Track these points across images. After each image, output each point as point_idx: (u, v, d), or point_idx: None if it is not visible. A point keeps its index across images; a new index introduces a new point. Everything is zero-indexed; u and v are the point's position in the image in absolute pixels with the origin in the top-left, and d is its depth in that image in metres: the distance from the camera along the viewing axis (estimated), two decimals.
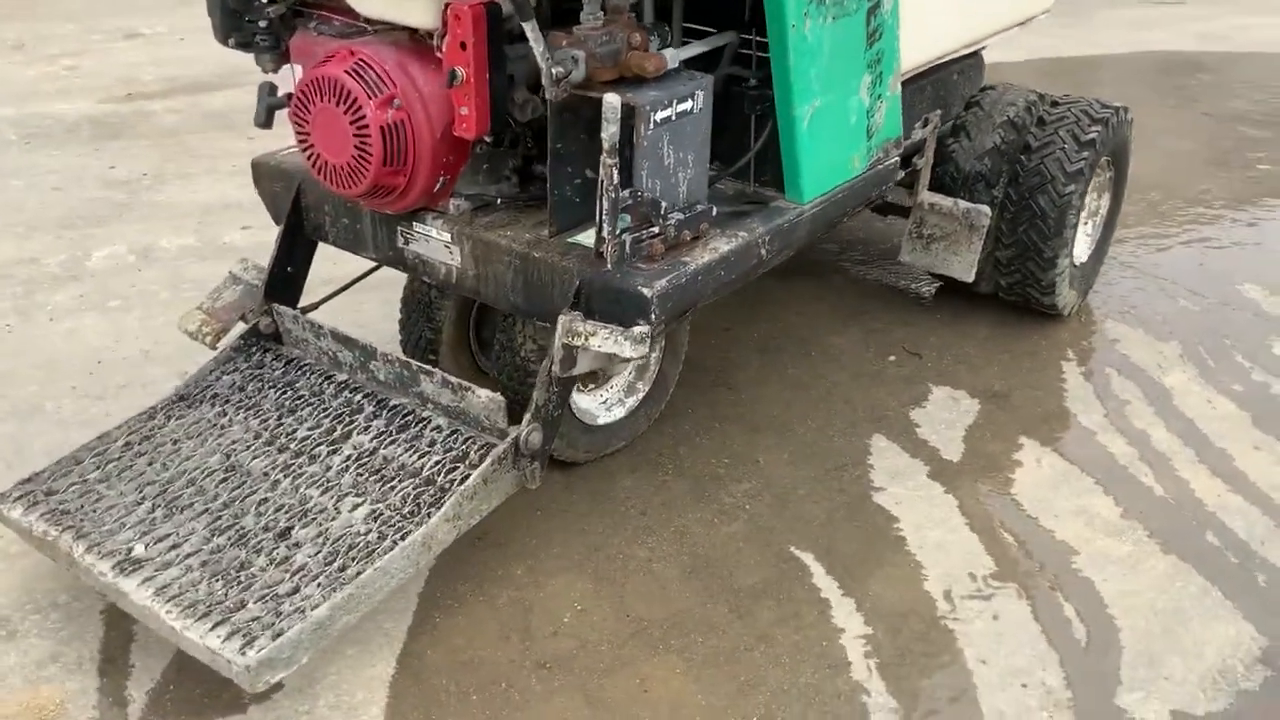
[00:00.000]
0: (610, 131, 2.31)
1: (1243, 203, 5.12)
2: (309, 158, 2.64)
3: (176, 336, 3.20)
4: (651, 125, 2.44)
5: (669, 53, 2.52)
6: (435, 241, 2.77)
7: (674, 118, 2.49)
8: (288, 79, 2.85)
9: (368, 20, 2.62)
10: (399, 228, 2.84)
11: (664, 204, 2.54)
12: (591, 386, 3.13)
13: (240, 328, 3.04)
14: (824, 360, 3.73)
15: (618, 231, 2.43)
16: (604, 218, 2.41)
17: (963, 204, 3.66)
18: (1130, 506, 3.05)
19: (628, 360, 2.65)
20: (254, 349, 3.02)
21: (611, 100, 2.30)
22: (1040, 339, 3.89)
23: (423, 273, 2.86)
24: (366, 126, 2.50)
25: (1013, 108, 3.78)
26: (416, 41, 2.62)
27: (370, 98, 2.49)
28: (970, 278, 3.73)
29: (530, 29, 2.32)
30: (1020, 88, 3.92)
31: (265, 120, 2.69)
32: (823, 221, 3.00)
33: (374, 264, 3.28)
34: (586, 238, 2.65)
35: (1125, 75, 7.13)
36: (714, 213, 2.69)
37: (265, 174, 3.09)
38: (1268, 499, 3.09)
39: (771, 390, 3.54)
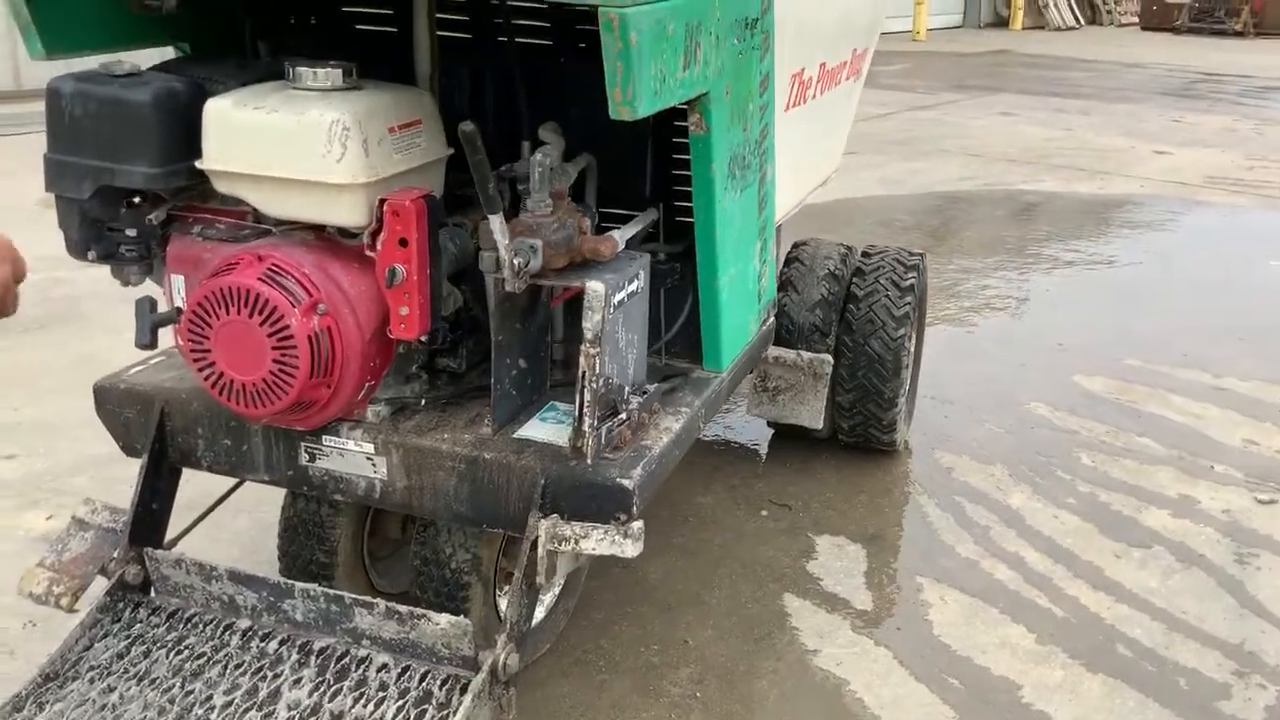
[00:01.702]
0: (595, 320, 2.18)
1: (972, 312, 5.62)
2: (208, 379, 2.30)
3: None
4: (611, 309, 2.32)
5: (617, 234, 2.43)
6: (353, 454, 2.49)
7: (626, 299, 2.39)
8: (147, 292, 2.52)
9: (275, 221, 2.36)
10: (302, 444, 2.52)
11: (625, 388, 2.42)
12: (506, 588, 2.88)
13: (100, 583, 2.57)
14: (701, 524, 3.67)
15: (595, 424, 2.28)
16: (584, 411, 2.25)
17: (806, 355, 3.75)
18: (1041, 631, 3.16)
19: (624, 559, 2.46)
20: (123, 605, 2.55)
21: (596, 288, 2.17)
22: (884, 475, 4.03)
23: (334, 491, 2.54)
24: (290, 337, 2.22)
25: (830, 260, 3.96)
26: (325, 238, 2.38)
27: (293, 305, 2.22)
28: (820, 424, 3.81)
29: (497, 222, 2.16)
30: (827, 241, 4.12)
31: (151, 340, 2.33)
32: (731, 388, 2.97)
33: (236, 484, 2.92)
34: (533, 431, 2.47)
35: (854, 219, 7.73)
36: (660, 391, 2.59)
37: (113, 399, 2.67)
38: (1149, 603, 3.30)
39: (666, 562, 3.42)
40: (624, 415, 2.39)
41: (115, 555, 2.57)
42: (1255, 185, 9.01)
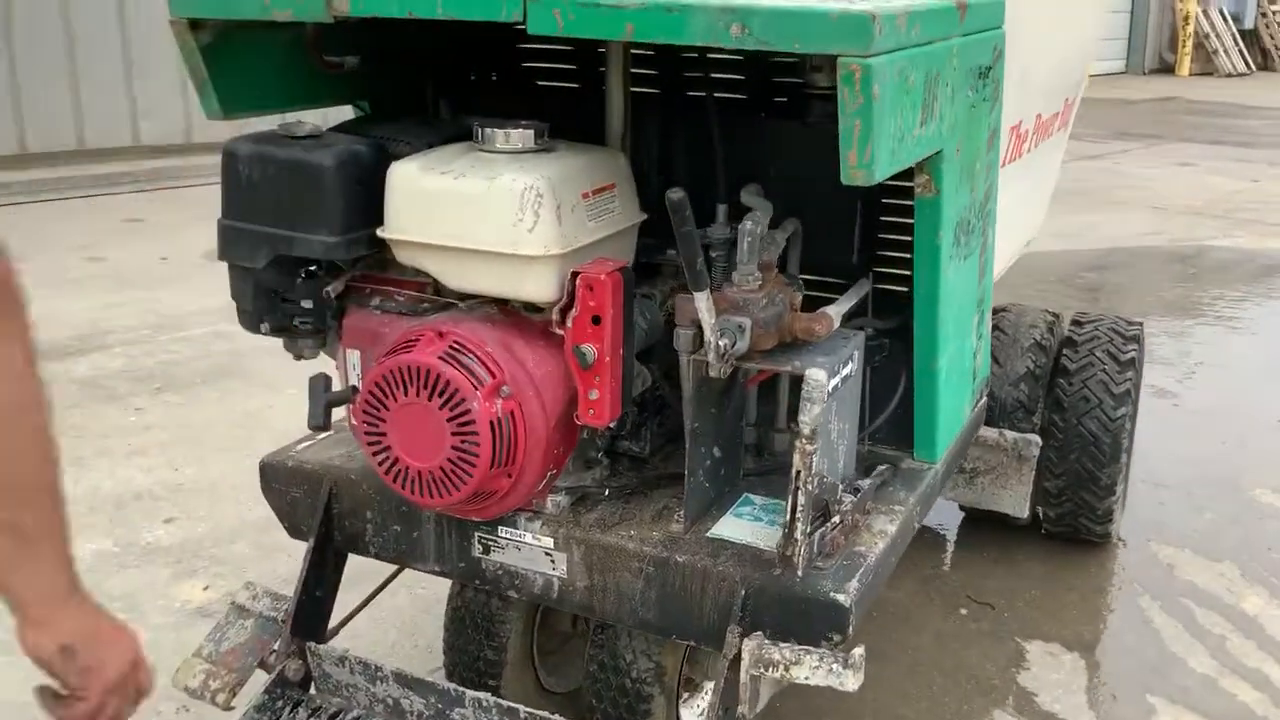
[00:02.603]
0: (814, 413, 1.91)
1: (1177, 381, 5.13)
2: (382, 463, 2.11)
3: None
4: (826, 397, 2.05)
5: (831, 310, 2.16)
6: (531, 549, 2.26)
7: (840, 385, 2.11)
8: (319, 366, 2.35)
9: (456, 295, 2.16)
10: (476, 534, 2.31)
11: (838, 485, 2.13)
12: (687, 695, 2.60)
13: (259, 677, 2.39)
14: (891, 622, 3.33)
15: (809, 529, 2.00)
16: (797, 515, 1.98)
17: (1010, 434, 3.39)
18: None
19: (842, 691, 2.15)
20: (282, 704, 2.36)
21: (817, 376, 1.90)
22: (1096, 570, 3.63)
23: (508, 587, 2.32)
24: (471, 422, 2.00)
25: (1035, 329, 3.60)
26: (509, 313, 2.17)
27: (475, 387, 2.01)
28: (1025, 513, 3.44)
29: (703, 300, 1.92)
30: (1031, 307, 3.75)
31: (324, 420, 2.15)
32: (945, 480, 2.65)
33: (395, 570, 2.73)
34: (729, 530, 2.20)
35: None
36: (874, 488, 2.30)
37: (279, 478, 2.51)
38: None
39: None
40: (836, 518, 2.10)
41: (276, 648, 2.39)
42: None
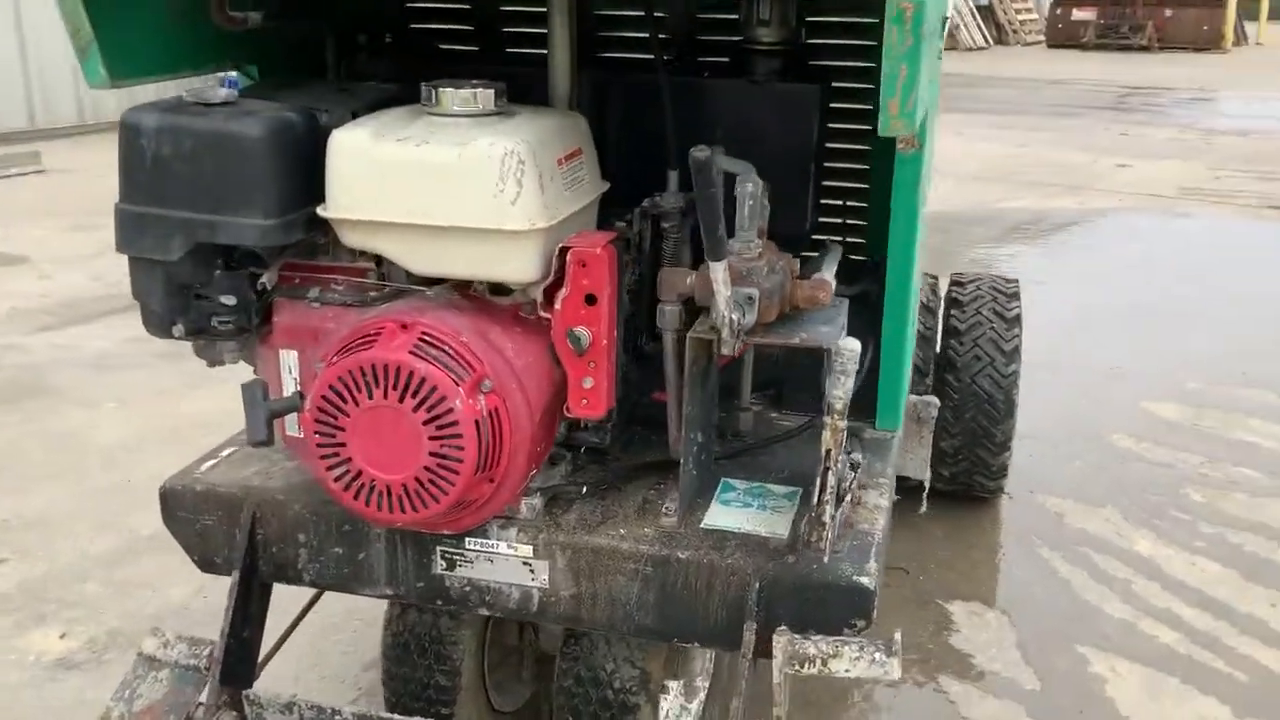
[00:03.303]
0: (847, 386, 1.77)
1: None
2: (341, 479, 1.83)
3: None
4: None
5: (829, 276, 2.02)
6: (505, 559, 2.03)
7: None
8: (240, 374, 2.05)
9: (413, 280, 1.91)
10: (438, 549, 2.06)
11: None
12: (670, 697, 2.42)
13: None
14: None
15: (836, 510, 1.86)
16: (825, 497, 1.83)
17: (911, 397, 3.37)
18: (1235, 702, 2.82)
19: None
20: None
21: (851, 346, 1.76)
22: (993, 527, 3.69)
23: (478, 604, 2.08)
24: (453, 424, 1.76)
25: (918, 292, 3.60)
26: (473, 298, 1.94)
27: (455, 383, 1.77)
28: (926, 474, 3.43)
29: (720, 271, 1.74)
30: None
31: (268, 434, 1.84)
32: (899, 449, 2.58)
33: (315, 594, 2.44)
34: (722, 519, 2.04)
35: None
36: (866, 462, 2.18)
37: (186, 505, 2.17)
38: None
39: None
40: (848, 496, 1.98)
41: (203, 700, 2.07)
42: (1229, 195, 8.97)
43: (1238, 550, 3.52)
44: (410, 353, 1.78)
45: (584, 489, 2.10)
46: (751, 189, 1.85)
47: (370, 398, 1.78)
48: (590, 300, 1.80)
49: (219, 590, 2.18)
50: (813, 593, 1.90)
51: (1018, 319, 3.57)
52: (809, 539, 1.87)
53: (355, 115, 1.97)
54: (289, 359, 1.95)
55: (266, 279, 1.89)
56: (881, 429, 2.45)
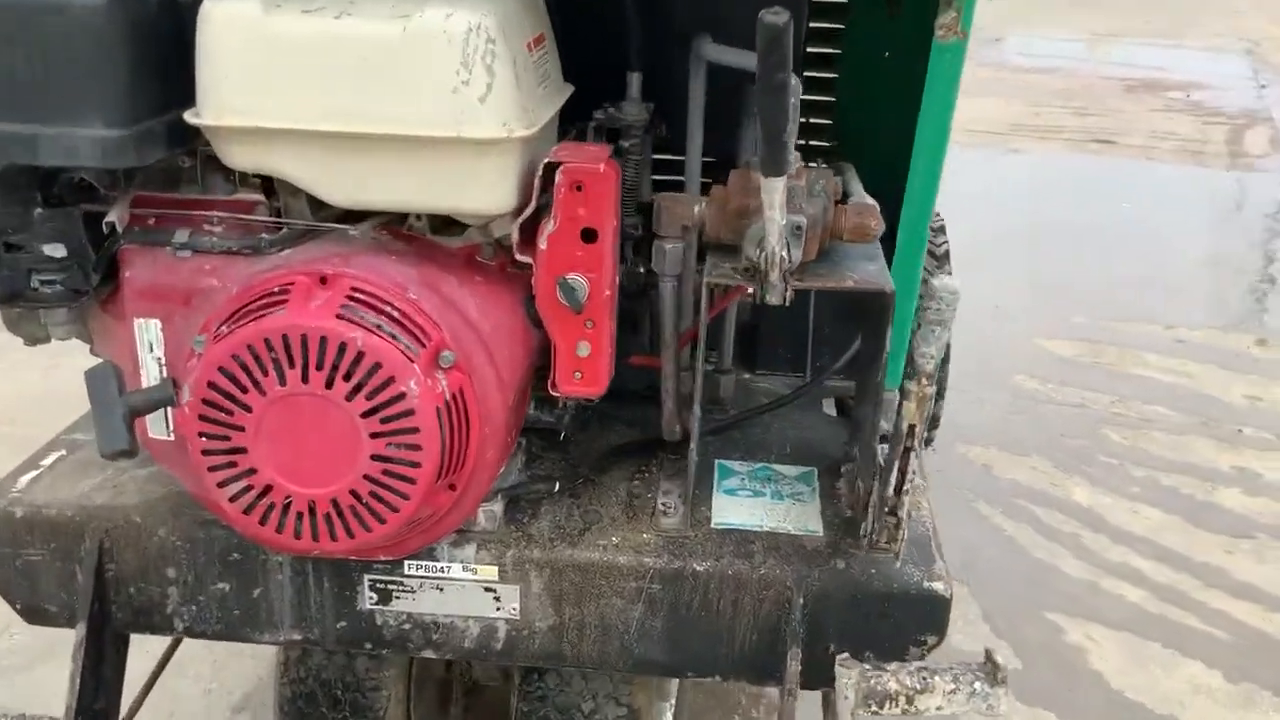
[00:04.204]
0: (943, 340, 1.35)
1: None
2: (239, 498, 1.30)
3: None
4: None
5: (870, 200, 1.58)
6: (460, 586, 1.53)
7: None
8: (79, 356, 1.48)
9: (331, 215, 1.37)
10: (367, 578, 1.54)
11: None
12: None
13: None
14: None
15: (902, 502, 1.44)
16: (904, 486, 1.41)
17: None
18: (1222, 664, 2.61)
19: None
20: None
21: (951, 288, 1.33)
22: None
23: (422, 645, 1.57)
24: (407, 413, 1.25)
25: None
26: (411, 239, 1.41)
27: (407, 357, 1.25)
28: None
29: (777, 192, 1.27)
30: None
31: (129, 441, 1.28)
32: None
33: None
34: (735, 515, 1.60)
35: None
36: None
37: (5, 536, 1.57)
38: None
39: None
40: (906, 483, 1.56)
41: None
42: (1054, 130, 9.02)
43: (1174, 494, 3.33)
44: (339, 316, 1.25)
45: (555, 486, 1.62)
46: (795, 83, 1.39)
47: (282, 383, 1.25)
48: (589, 236, 1.31)
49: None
50: (872, 605, 1.49)
51: (947, 255, 3.25)
52: (876, 539, 1.45)
53: None
54: (148, 331, 1.38)
55: (112, 219, 1.32)
56: (888, 387, 2.05)
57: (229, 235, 1.37)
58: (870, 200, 1.54)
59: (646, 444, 1.76)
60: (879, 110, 1.81)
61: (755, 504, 1.64)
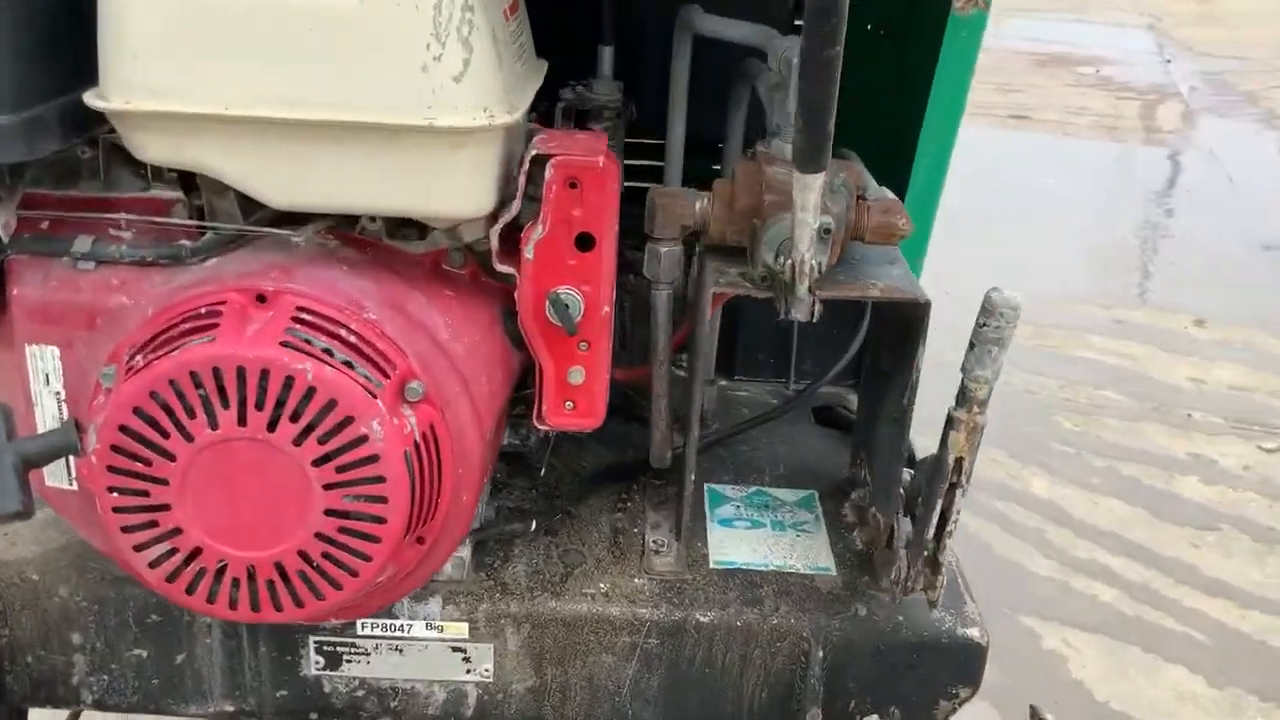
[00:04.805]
0: (999, 364, 1.17)
1: None
2: (165, 565, 1.07)
3: None
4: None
5: (890, 194, 1.39)
6: (423, 646, 1.31)
7: None
8: None
9: (264, 218, 1.13)
10: (312, 640, 1.31)
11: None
12: None
13: None
14: None
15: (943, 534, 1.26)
16: (949, 528, 1.23)
17: None
18: (1203, 668, 2.52)
19: None
20: None
21: (1012, 301, 1.15)
22: None
23: (378, 712, 1.36)
24: (371, 459, 1.03)
25: None
26: (364, 244, 1.18)
27: (369, 392, 1.03)
28: None
29: (813, 192, 1.07)
30: None
31: (23, 499, 1.03)
32: None
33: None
34: (737, 552, 1.41)
35: None
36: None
37: None
38: (1271, 601, 2.73)
39: None
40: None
41: None
42: (983, 107, 8.97)
43: (1135, 484, 3.24)
44: (283, 343, 1.03)
45: (532, 525, 1.40)
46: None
47: (213, 426, 1.02)
48: (585, 243, 1.10)
49: None
50: (899, 656, 1.31)
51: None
52: (912, 586, 1.27)
53: None
54: (43, 360, 1.14)
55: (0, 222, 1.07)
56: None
57: (141, 242, 1.13)
58: (890, 195, 1.35)
59: (625, 467, 1.56)
60: (870, 92, 1.61)
61: (756, 537, 1.45)
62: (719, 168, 1.71)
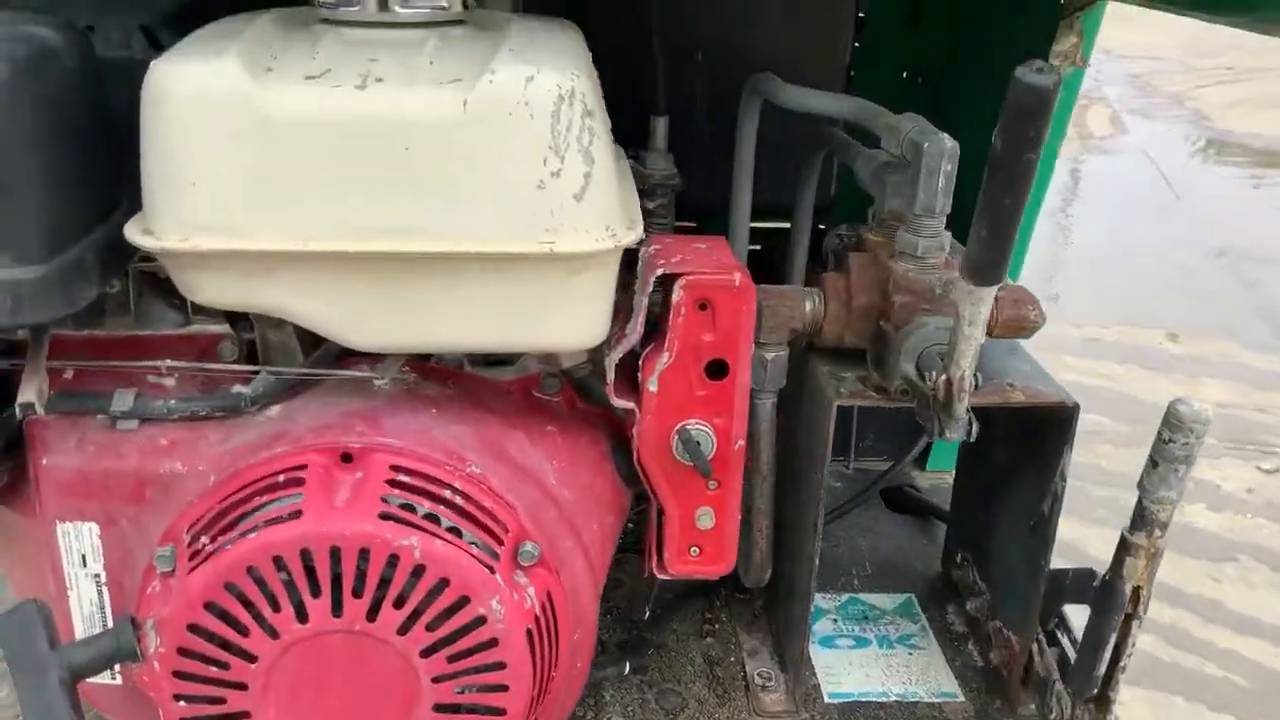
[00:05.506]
0: (1185, 482, 1.04)
1: None
2: None
3: None
4: None
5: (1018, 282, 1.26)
6: None
7: None
8: None
9: (337, 353, 0.97)
10: None
11: None
12: None
13: None
14: None
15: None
16: (1105, 657, 1.10)
17: None
18: (1247, 714, 2.41)
19: None
20: None
21: (1203, 416, 1.02)
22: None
23: None
24: (490, 644, 0.87)
25: None
26: (445, 375, 1.02)
27: (486, 566, 0.87)
28: None
29: (984, 304, 0.93)
30: None
31: (77, 718, 0.86)
32: None
33: None
34: (854, 684, 1.27)
35: None
36: None
37: None
38: None
39: None
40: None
41: None
42: None
43: None
44: (383, 515, 0.86)
45: (626, 668, 1.25)
46: (950, 147, 1.05)
47: (302, 620, 0.85)
48: (718, 371, 0.95)
49: None
50: None
51: None
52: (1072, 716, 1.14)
53: (152, 32, 0.99)
54: (79, 539, 0.95)
55: (29, 399, 0.88)
56: (934, 470, 1.76)
57: (189, 392, 0.96)
58: (1011, 282, 1.22)
59: (703, 588, 1.41)
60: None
61: (865, 658, 1.31)
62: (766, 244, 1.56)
